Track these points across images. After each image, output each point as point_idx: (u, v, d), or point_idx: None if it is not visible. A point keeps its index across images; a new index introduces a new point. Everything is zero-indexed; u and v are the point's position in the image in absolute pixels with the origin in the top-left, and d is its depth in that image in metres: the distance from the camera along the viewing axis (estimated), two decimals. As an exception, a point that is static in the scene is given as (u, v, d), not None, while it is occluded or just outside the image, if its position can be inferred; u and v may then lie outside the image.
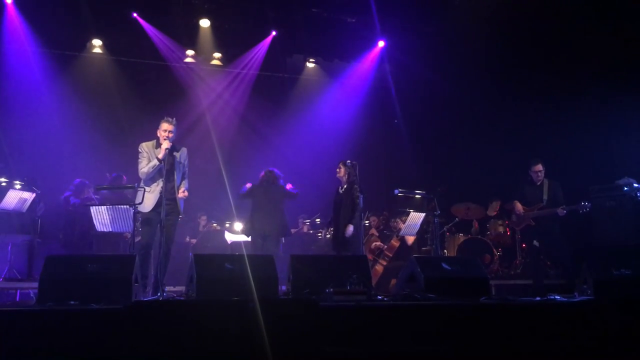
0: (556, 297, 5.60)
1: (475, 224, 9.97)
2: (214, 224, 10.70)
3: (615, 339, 4.62)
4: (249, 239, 8.45)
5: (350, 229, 7.40)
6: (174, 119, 6.51)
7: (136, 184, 6.49)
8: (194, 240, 10.31)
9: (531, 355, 4.47)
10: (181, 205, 6.55)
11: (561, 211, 7.54)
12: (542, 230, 7.75)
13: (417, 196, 8.40)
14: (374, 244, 9.36)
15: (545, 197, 7.78)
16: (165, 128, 6.41)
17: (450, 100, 11.15)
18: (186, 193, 6.58)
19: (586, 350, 4.52)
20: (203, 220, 10.66)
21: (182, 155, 6.63)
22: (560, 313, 4.88)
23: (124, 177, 8.62)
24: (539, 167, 7.84)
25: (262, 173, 8.32)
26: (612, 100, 9.11)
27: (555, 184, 7.86)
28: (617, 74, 9.21)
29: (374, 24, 10.76)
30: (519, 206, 7.96)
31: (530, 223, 7.84)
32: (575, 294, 5.92)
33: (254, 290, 4.93)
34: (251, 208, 8.31)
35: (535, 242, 7.83)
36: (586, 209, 7.56)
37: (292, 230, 10.65)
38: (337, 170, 7.74)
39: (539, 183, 7.89)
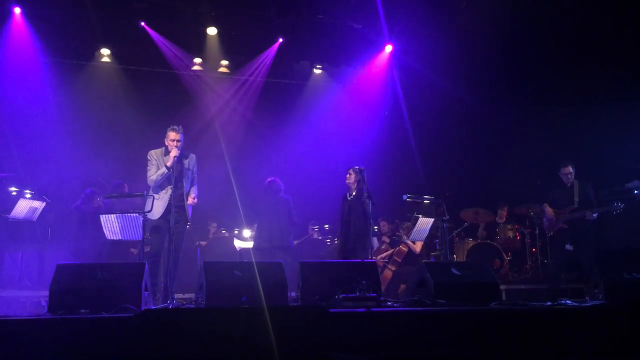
0: (567, 301, 5.57)
1: (483, 233, 9.92)
2: (223, 231, 10.72)
3: (628, 343, 4.58)
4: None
5: (375, 242, 7.40)
6: (181, 126, 6.54)
7: (145, 192, 6.52)
8: (203, 242, 10.34)
9: (543, 361, 4.45)
10: (189, 213, 6.58)
11: (590, 215, 7.34)
12: (576, 234, 7.53)
13: (425, 201, 8.37)
14: (380, 256, 9.33)
15: (576, 198, 7.58)
16: (173, 137, 6.44)
17: (459, 104, 11.13)
18: (195, 200, 6.62)
19: (598, 355, 4.48)
20: (213, 227, 10.67)
21: (190, 162, 6.66)
22: (572, 318, 4.85)
23: (125, 185, 8.66)
24: (569, 169, 7.65)
25: (266, 182, 8.41)
26: (621, 103, 9.06)
27: (586, 185, 7.68)
28: (627, 76, 9.17)
29: (380, 30, 10.76)
30: (548, 210, 7.78)
31: (563, 226, 7.64)
32: (586, 298, 5.89)
33: (263, 297, 4.94)
34: (258, 218, 8.36)
35: (569, 247, 7.55)
36: (619, 210, 7.36)
37: (295, 242, 10.67)
38: (347, 176, 7.68)
39: (569, 185, 7.73)
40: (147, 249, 6.57)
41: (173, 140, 6.43)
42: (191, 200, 6.56)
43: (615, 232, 8.67)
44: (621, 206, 7.37)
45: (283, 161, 11.33)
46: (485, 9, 10.02)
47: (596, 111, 9.45)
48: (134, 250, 8.35)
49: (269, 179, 8.50)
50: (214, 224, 10.70)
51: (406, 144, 12.06)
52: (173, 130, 6.48)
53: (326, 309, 4.37)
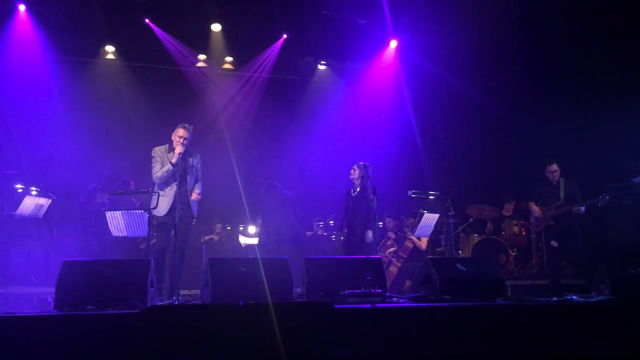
0: (573, 297, 5.56)
1: (490, 225, 9.91)
2: (228, 227, 10.74)
3: (634, 339, 4.57)
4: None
5: (370, 234, 7.39)
6: (192, 126, 6.56)
7: (150, 189, 6.54)
8: (208, 237, 10.37)
9: (548, 357, 4.43)
10: (194, 209, 6.60)
11: (577, 209, 7.43)
12: (561, 230, 7.62)
13: (430, 197, 8.36)
14: (388, 250, 9.33)
15: (562, 195, 7.66)
16: (181, 134, 6.46)
17: (464, 100, 11.09)
18: (199, 196, 6.63)
19: (604, 351, 4.47)
20: (218, 228, 10.69)
21: (195, 160, 6.68)
22: (578, 313, 4.83)
23: (132, 182, 8.67)
24: (554, 166, 7.74)
25: (267, 183, 8.47)
26: (627, 98, 9.02)
27: (571, 182, 7.75)
28: (633, 71, 9.12)
29: (385, 25, 10.74)
30: (534, 208, 7.87)
31: (550, 223, 7.71)
32: (592, 293, 5.87)
33: (269, 293, 4.95)
34: (264, 215, 8.39)
35: (553, 243, 7.67)
36: (604, 202, 7.43)
37: (308, 233, 10.70)
38: (351, 172, 7.70)
39: (555, 182, 7.79)
40: (152, 242, 6.60)
41: (181, 137, 6.44)
42: (195, 196, 6.58)
43: (621, 227, 8.65)
44: (607, 198, 7.42)
45: (288, 157, 11.33)
46: (491, 4, 9.96)
47: (604, 106, 9.41)
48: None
49: (268, 181, 8.55)
50: (219, 225, 10.71)
51: (411, 140, 12.04)
52: (184, 127, 6.50)
53: (331, 305, 4.37)
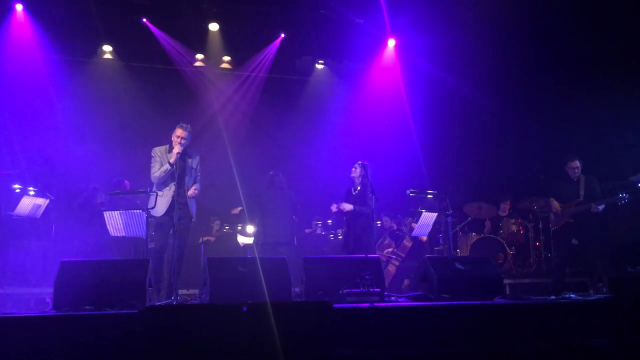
0: (571, 295, 5.57)
1: (488, 224, 9.92)
2: (226, 227, 10.73)
3: (632, 338, 4.58)
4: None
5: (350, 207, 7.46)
6: (189, 125, 6.56)
7: (149, 189, 6.54)
8: (206, 238, 10.36)
9: (547, 355, 4.43)
10: (193, 209, 6.61)
11: (595, 208, 7.29)
12: (582, 227, 7.45)
13: (429, 196, 8.36)
14: (385, 250, 9.33)
15: (582, 192, 7.52)
16: (179, 134, 6.46)
17: (462, 99, 11.09)
18: (197, 191, 6.64)
19: (602, 350, 4.48)
20: (217, 224, 10.69)
21: (194, 161, 6.70)
22: (576, 311, 4.84)
23: (126, 181, 8.65)
24: (576, 163, 7.57)
25: (269, 175, 8.40)
26: (625, 96, 9.03)
27: (592, 179, 7.61)
28: (632, 68, 9.12)
29: (383, 25, 10.73)
30: (555, 204, 7.70)
31: (569, 220, 7.56)
32: (590, 292, 5.88)
33: (267, 292, 4.95)
34: (262, 213, 8.36)
35: (574, 241, 7.47)
36: (625, 200, 7.33)
37: (307, 231, 10.69)
38: (353, 170, 7.70)
39: (575, 179, 7.64)
40: (151, 245, 6.59)
41: (179, 137, 6.44)
42: (192, 191, 6.58)
43: (621, 226, 8.65)
44: (626, 196, 7.31)
45: (286, 156, 11.32)
46: (490, 2, 9.96)
47: (600, 104, 9.41)
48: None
49: (271, 173, 8.51)
50: (217, 221, 10.71)
51: (409, 139, 12.04)
52: (181, 127, 6.50)
53: (330, 304, 4.37)
